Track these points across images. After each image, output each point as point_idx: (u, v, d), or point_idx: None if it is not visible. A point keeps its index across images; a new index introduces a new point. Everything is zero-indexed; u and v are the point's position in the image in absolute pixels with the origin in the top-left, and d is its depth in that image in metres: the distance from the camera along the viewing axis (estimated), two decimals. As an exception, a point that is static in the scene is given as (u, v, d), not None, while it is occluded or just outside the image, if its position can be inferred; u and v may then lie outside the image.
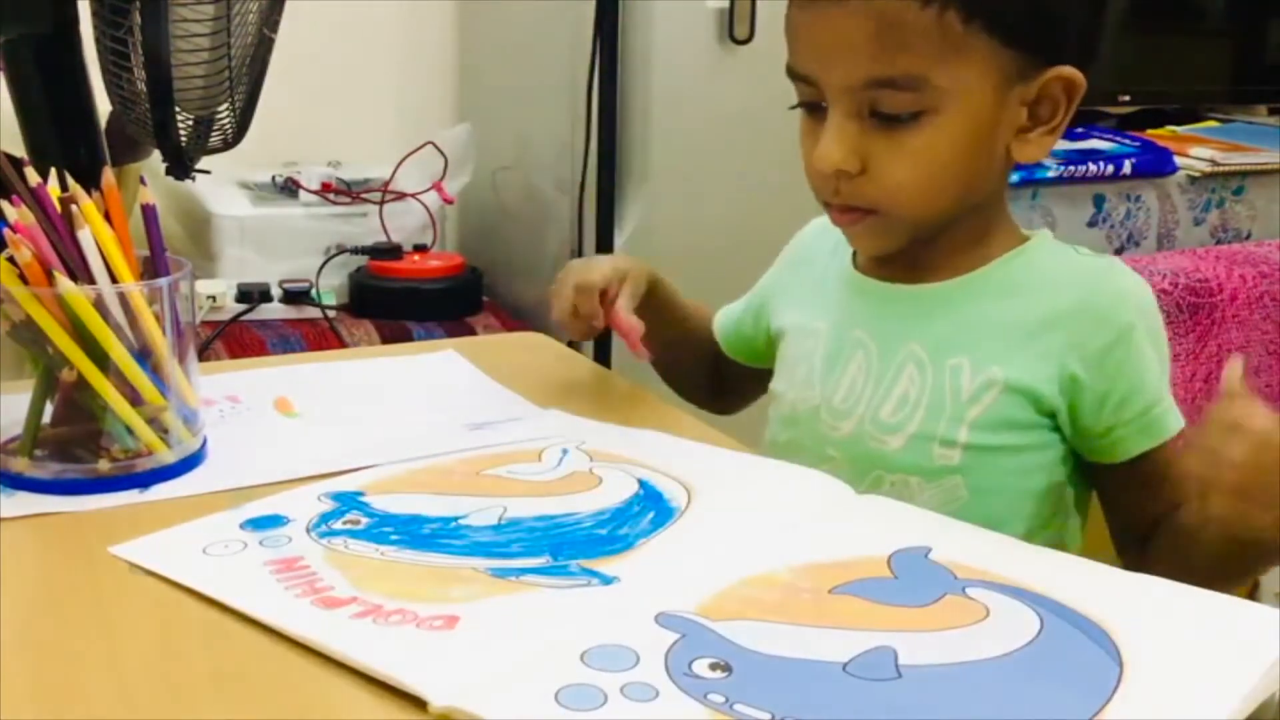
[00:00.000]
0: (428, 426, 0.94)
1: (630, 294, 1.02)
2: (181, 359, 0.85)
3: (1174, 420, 0.90)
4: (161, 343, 0.83)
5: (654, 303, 1.06)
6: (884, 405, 0.91)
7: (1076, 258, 0.93)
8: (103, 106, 1.29)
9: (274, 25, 1.29)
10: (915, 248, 0.92)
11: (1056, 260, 0.93)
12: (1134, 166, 1.96)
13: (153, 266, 0.86)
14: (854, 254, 0.98)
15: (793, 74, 0.89)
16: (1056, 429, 0.90)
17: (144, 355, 0.83)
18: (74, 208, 0.81)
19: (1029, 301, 0.90)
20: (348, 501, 0.80)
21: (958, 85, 0.85)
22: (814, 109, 0.89)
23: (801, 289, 1.02)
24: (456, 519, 0.77)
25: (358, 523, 0.77)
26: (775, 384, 1.01)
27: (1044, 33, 0.86)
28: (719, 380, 1.14)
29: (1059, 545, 0.91)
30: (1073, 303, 0.89)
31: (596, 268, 1.03)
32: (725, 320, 1.11)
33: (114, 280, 0.82)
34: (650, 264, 1.06)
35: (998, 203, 0.94)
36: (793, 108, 0.91)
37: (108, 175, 0.86)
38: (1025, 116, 0.88)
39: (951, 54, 0.84)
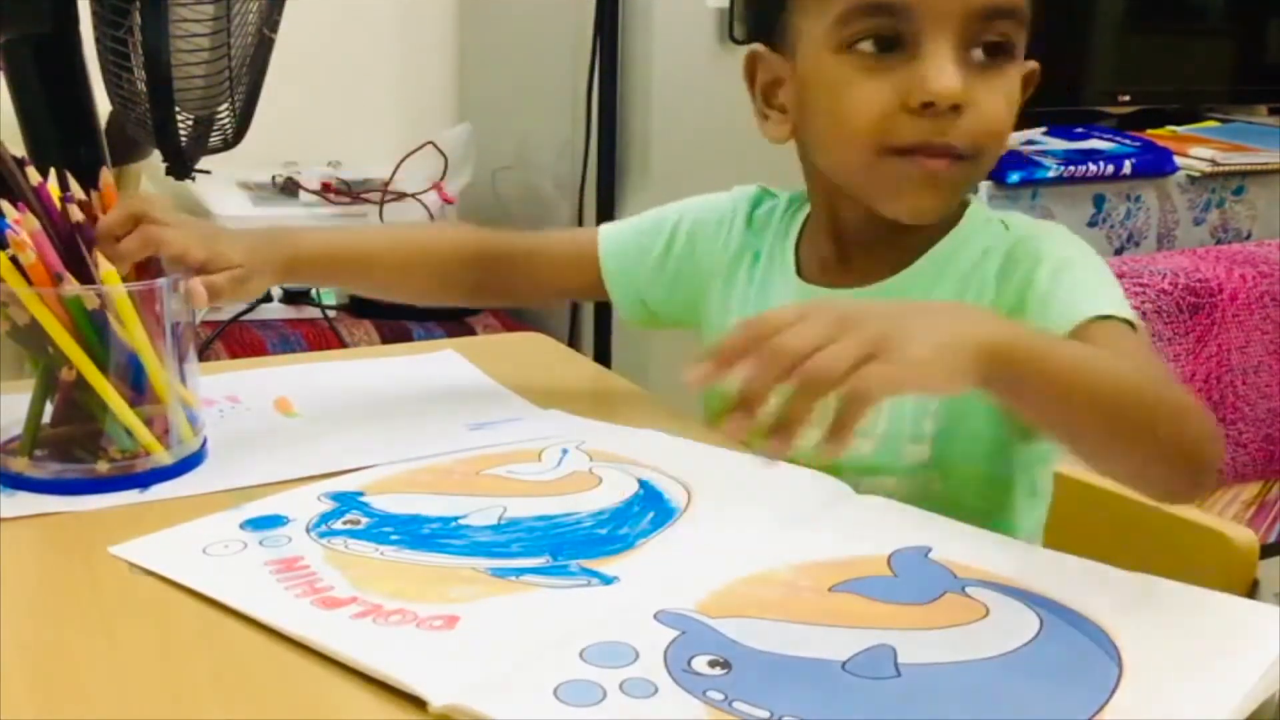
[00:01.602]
0: (428, 426, 0.94)
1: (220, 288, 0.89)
2: (181, 359, 0.85)
3: (1105, 302, 0.82)
4: (161, 344, 0.83)
5: (307, 272, 1.02)
6: None
7: (1004, 232, 0.91)
8: (103, 106, 1.29)
9: (274, 25, 1.29)
10: (899, 252, 0.91)
11: (986, 234, 0.92)
12: (1134, 166, 1.95)
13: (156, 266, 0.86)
14: (796, 259, 0.96)
15: (872, 6, 0.83)
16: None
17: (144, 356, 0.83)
18: (71, 206, 0.82)
19: (969, 280, 0.90)
20: (348, 501, 0.80)
21: (1025, 35, 0.85)
22: (884, 46, 0.83)
23: (741, 287, 0.99)
24: (456, 519, 0.77)
25: (358, 523, 0.77)
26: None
27: (1038, 18, 0.86)
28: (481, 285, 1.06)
29: (1023, 526, 0.92)
30: (1000, 263, 0.89)
31: (202, 243, 0.88)
32: (617, 247, 1.04)
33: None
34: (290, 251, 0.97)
35: None
36: (853, 45, 0.84)
37: (107, 175, 0.86)
38: None
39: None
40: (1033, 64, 0.88)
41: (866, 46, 0.84)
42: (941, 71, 0.82)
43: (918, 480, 0.89)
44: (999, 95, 0.84)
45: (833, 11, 0.84)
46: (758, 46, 0.92)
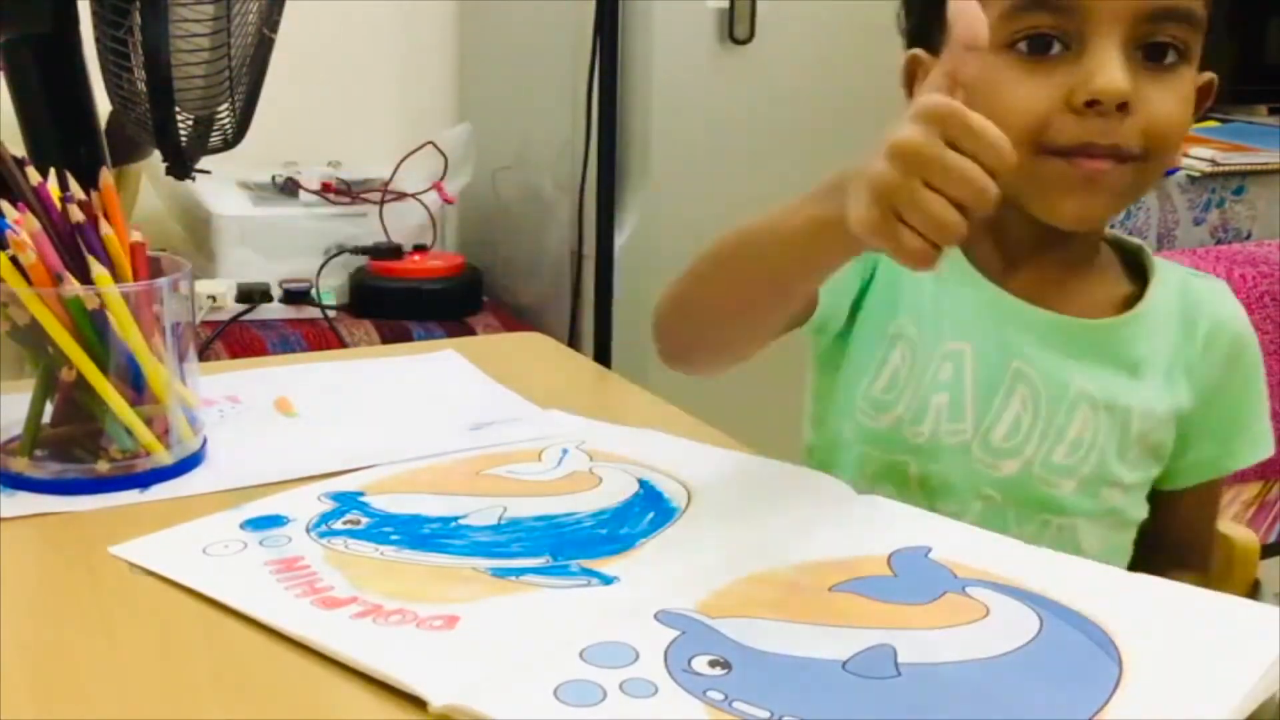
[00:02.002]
0: (428, 426, 0.94)
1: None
2: (181, 359, 0.85)
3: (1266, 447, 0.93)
4: (161, 344, 0.83)
5: None
6: (1057, 447, 0.87)
7: (1195, 280, 0.93)
8: (103, 106, 1.29)
9: (274, 25, 1.29)
10: (1063, 266, 0.89)
11: (1183, 283, 0.92)
12: (1134, 166, 1.95)
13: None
14: (973, 265, 0.90)
15: (1035, 2, 0.81)
16: None
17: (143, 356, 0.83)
18: (71, 206, 0.82)
19: (1179, 334, 0.90)
20: (348, 501, 0.80)
21: (1200, 41, 0.82)
22: (1047, 45, 0.81)
23: (912, 287, 0.90)
24: (456, 519, 0.78)
25: (358, 523, 0.77)
26: (865, 388, 0.90)
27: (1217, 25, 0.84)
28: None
29: None
30: (1210, 328, 0.91)
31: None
32: None
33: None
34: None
35: None
36: (1013, 44, 0.82)
37: (107, 175, 0.86)
38: None
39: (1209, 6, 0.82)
40: (1209, 75, 0.85)
41: (1027, 45, 0.82)
42: (1108, 69, 0.79)
43: (1107, 524, 0.89)
44: (1170, 94, 0.81)
45: (994, 9, 0.80)
46: (918, 51, 0.88)
